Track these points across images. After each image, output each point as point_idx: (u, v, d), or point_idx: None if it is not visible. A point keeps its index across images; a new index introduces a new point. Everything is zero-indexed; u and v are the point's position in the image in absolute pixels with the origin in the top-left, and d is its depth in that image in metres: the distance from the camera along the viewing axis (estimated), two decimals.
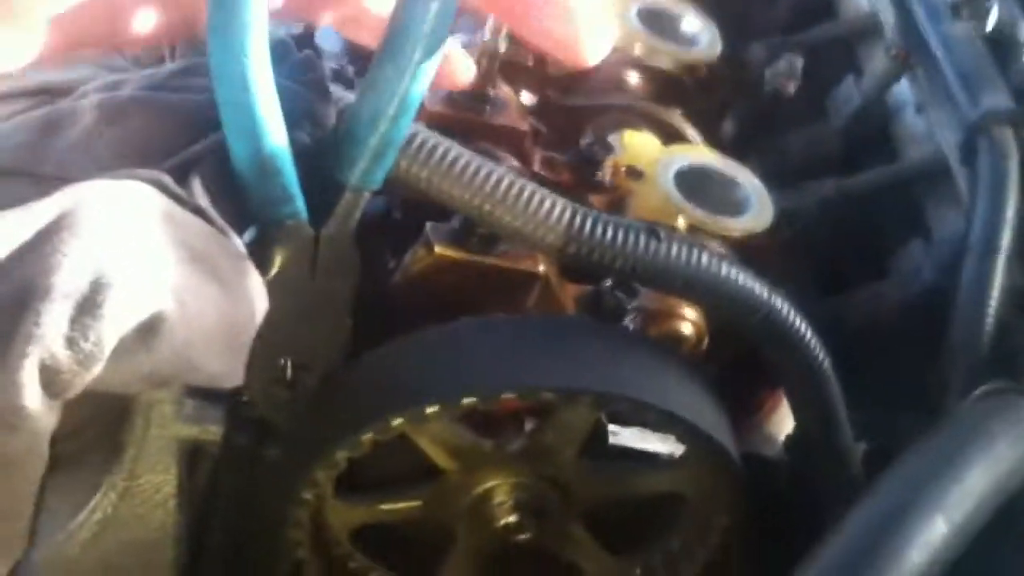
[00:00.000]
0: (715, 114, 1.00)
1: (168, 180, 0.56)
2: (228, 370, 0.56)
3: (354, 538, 0.74)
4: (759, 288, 0.66)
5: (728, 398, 0.78)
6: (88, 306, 0.48)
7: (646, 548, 0.77)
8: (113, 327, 0.48)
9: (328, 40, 0.84)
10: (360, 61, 0.82)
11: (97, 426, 0.61)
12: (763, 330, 0.67)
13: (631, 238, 0.63)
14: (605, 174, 0.82)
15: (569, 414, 0.67)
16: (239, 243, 0.58)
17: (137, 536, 0.62)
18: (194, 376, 0.54)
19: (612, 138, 0.85)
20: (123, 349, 0.49)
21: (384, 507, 0.72)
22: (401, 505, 0.72)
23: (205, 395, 0.62)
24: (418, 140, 0.61)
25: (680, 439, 0.69)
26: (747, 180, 0.85)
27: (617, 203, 0.82)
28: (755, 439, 0.87)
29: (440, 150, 0.62)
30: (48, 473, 0.60)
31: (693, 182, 0.84)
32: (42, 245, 0.48)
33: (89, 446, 0.62)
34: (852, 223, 0.95)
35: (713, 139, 0.95)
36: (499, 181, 0.62)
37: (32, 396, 0.47)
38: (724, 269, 0.65)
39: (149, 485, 0.61)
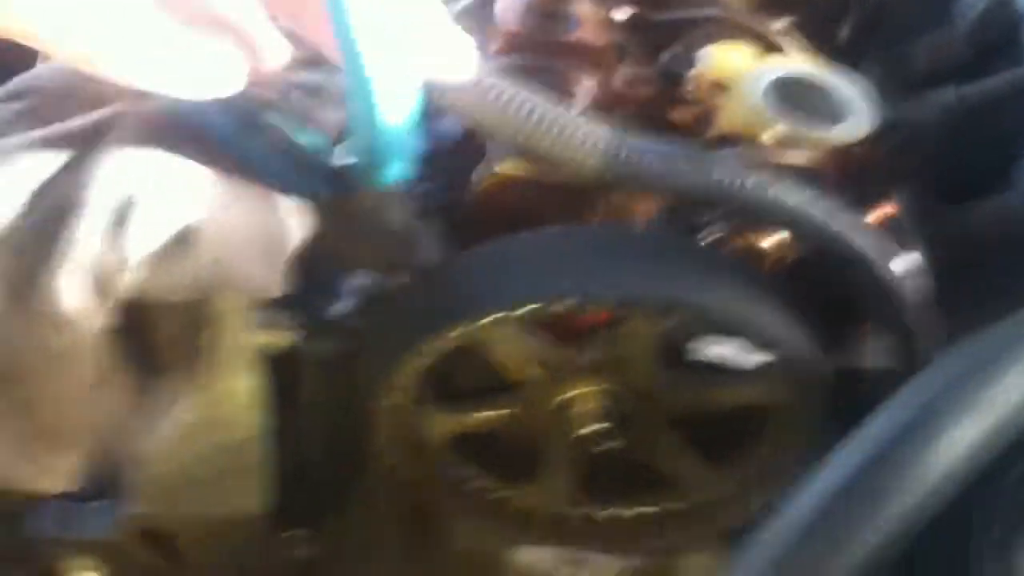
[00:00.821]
0: (828, 20, 0.96)
1: None
2: (266, 279, 0.60)
3: (454, 446, 0.77)
4: (814, 208, 0.65)
5: (829, 311, 0.77)
6: (120, 219, 0.53)
7: (742, 459, 0.77)
8: (143, 238, 0.54)
9: None
10: None
11: (187, 336, 0.67)
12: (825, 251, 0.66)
13: (670, 163, 0.63)
14: (689, 89, 0.81)
15: (633, 323, 0.68)
16: None
17: (223, 439, 0.68)
18: (235, 284, 0.59)
19: (702, 52, 0.84)
20: (159, 258, 0.55)
21: (477, 415, 0.75)
22: (492, 414, 0.75)
23: (275, 303, 0.67)
24: None
25: (751, 346, 0.69)
26: (846, 89, 0.82)
27: (703, 118, 0.81)
28: (861, 352, 0.86)
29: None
30: (145, 379, 0.67)
31: (786, 94, 0.81)
32: (79, 164, 0.54)
33: (180, 355, 0.68)
34: (975, 131, 0.90)
35: (824, 48, 0.92)
36: (531, 109, 0.63)
37: (72, 298, 0.53)
38: (773, 192, 0.64)
39: (228, 390, 0.67)
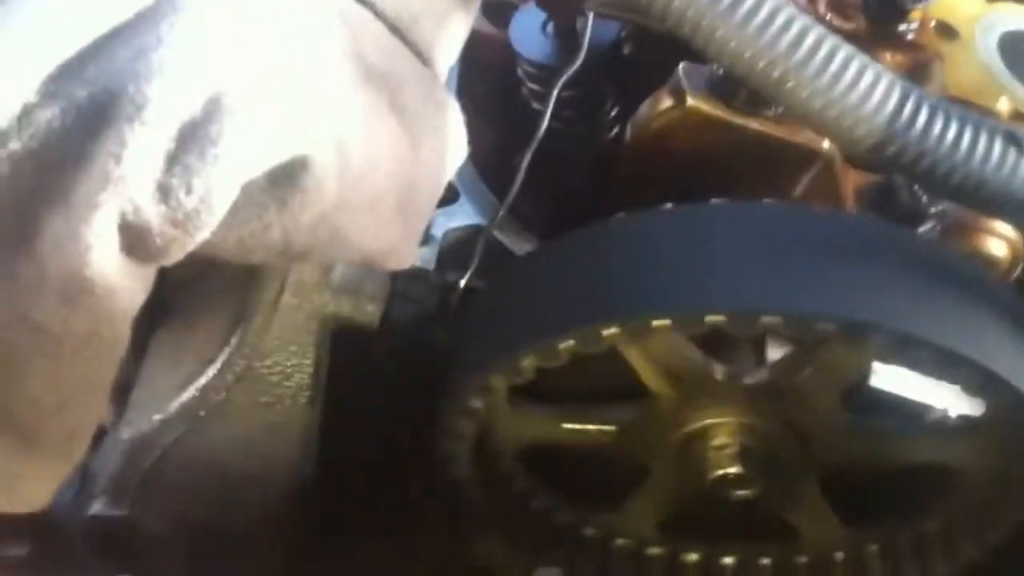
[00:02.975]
0: None
1: None
2: (396, 246, 0.39)
3: (522, 456, 0.59)
4: None
5: None
6: (198, 138, 0.31)
7: (889, 523, 0.60)
8: (231, 174, 0.32)
9: None
10: None
11: (224, 275, 0.47)
12: None
13: (982, 144, 0.44)
14: (910, 27, 0.62)
15: (841, 351, 0.49)
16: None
17: (254, 433, 0.48)
18: (344, 250, 0.38)
19: None
20: (245, 204, 0.33)
21: (568, 426, 0.57)
22: (590, 427, 0.56)
23: None
24: None
25: (989, 405, 0.51)
26: None
27: (919, 67, 0.62)
28: None
29: None
30: (156, 331, 0.47)
31: (1021, 52, 0.64)
32: (141, 33, 0.31)
33: (210, 303, 0.47)
34: None
35: None
36: (802, 37, 0.43)
37: (101, 261, 0.31)
38: None
39: (278, 369, 0.47)
